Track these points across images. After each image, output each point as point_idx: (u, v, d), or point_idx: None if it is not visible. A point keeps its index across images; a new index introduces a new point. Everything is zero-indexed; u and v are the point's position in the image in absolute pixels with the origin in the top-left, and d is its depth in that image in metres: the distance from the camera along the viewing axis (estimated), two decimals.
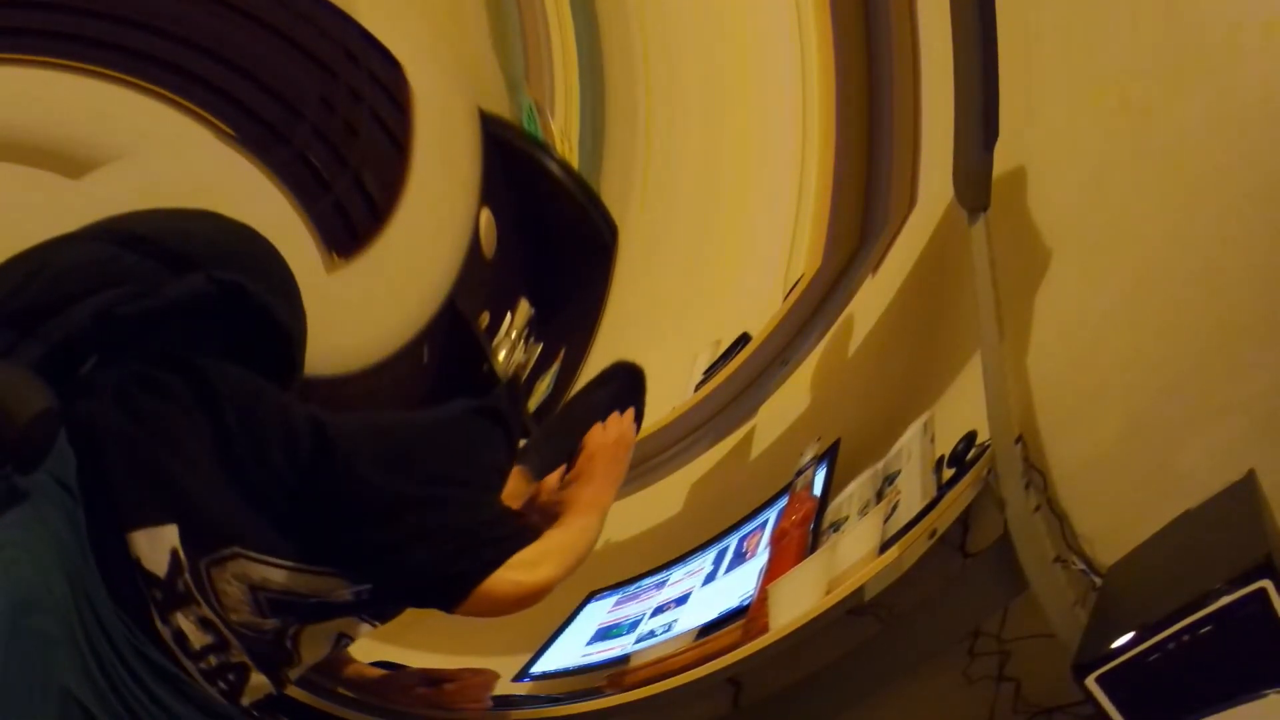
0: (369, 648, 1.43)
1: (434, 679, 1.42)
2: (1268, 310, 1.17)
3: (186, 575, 1.03)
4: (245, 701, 1.11)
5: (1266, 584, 0.97)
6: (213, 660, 1.06)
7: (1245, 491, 1.15)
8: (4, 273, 1.11)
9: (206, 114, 1.53)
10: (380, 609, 1.22)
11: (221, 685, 1.08)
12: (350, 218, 1.62)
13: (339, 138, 1.62)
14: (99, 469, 1.02)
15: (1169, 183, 1.23)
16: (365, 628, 1.24)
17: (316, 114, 1.60)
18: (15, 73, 1.41)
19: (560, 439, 1.41)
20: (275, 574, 1.08)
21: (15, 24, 1.42)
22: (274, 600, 1.08)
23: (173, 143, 1.53)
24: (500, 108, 1.75)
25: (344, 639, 1.23)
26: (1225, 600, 0.98)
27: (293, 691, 1.33)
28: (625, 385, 1.53)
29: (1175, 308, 1.25)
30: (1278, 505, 1.11)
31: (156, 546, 1.02)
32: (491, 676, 1.46)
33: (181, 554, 1.03)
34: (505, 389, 1.68)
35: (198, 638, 1.05)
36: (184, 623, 1.04)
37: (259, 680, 1.11)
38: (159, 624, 1.02)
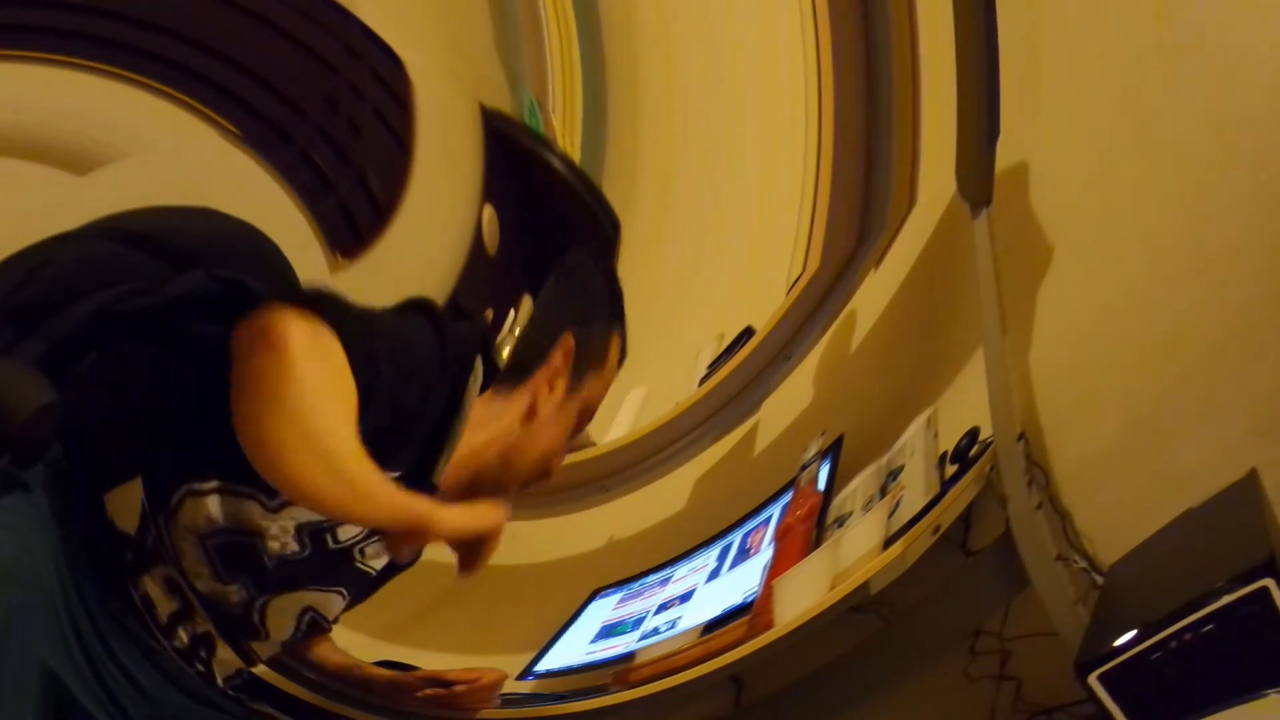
0: (375, 648, 1.43)
1: (441, 681, 1.42)
2: (1270, 309, 1.17)
3: (153, 528, 1.06)
4: (219, 678, 1.14)
5: (1268, 583, 0.97)
6: (183, 635, 1.09)
7: (1247, 490, 1.15)
8: (6, 269, 1.11)
9: (211, 113, 1.53)
10: (358, 586, 1.22)
11: (199, 667, 1.11)
12: (354, 217, 1.62)
13: (342, 136, 1.62)
14: (75, 441, 1.04)
15: (1172, 180, 1.23)
16: (337, 600, 1.24)
17: (320, 112, 1.61)
18: (21, 70, 1.41)
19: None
20: (212, 504, 1.07)
21: (21, 22, 1.43)
22: (222, 550, 1.08)
23: (177, 141, 1.53)
24: (502, 103, 1.75)
25: (316, 617, 1.23)
26: (1227, 599, 0.98)
27: (298, 692, 1.34)
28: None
29: (1178, 306, 1.25)
30: (1279, 504, 1.11)
31: (128, 503, 1.05)
32: (499, 677, 1.46)
33: (146, 506, 1.06)
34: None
35: (165, 604, 1.08)
36: (151, 587, 1.07)
37: (226, 654, 1.13)
38: (131, 590, 1.06)
